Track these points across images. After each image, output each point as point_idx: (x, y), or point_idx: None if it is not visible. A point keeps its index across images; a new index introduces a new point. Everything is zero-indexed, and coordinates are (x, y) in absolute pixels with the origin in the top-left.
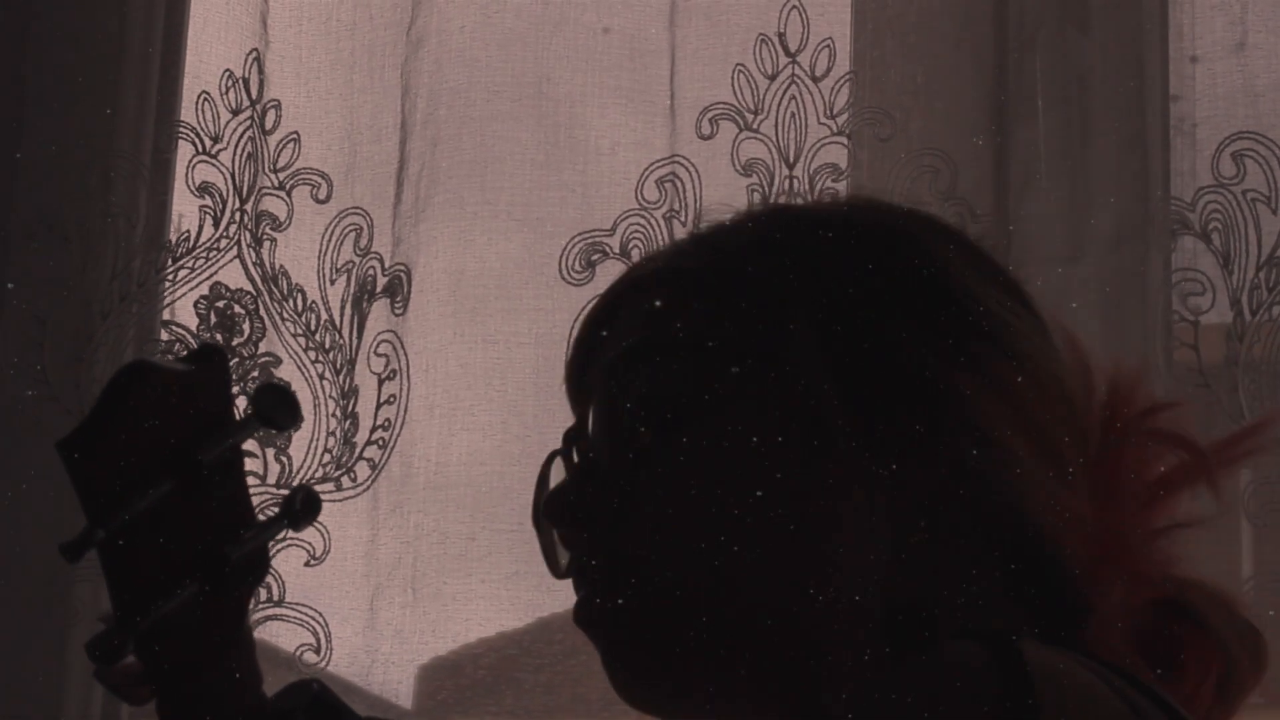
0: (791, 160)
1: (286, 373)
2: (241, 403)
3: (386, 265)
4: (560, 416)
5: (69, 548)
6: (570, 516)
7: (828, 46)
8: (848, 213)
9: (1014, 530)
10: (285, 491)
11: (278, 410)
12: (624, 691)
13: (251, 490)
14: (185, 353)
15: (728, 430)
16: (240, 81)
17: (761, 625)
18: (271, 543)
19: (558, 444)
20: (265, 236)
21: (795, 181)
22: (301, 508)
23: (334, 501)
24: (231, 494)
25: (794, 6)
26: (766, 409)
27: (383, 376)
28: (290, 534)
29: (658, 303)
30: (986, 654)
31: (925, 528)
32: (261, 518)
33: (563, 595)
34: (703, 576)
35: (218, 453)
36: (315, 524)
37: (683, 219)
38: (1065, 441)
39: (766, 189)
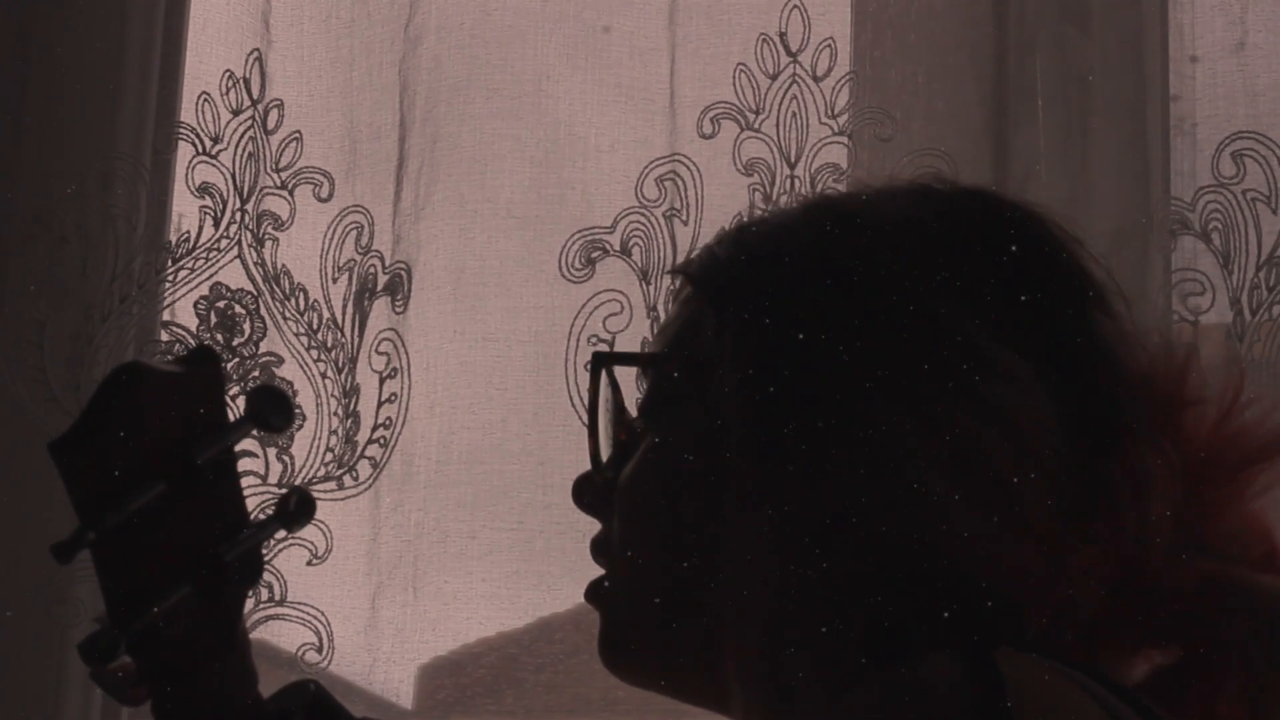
0: (793, 160)
1: (288, 372)
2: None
3: (387, 263)
4: (559, 415)
5: (60, 548)
6: (581, 497)
7: (829, 46)
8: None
9: (940, 570)
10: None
11: (271, 412)
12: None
13: (252, 490)
14: (179, 354)
15: (670, 437)
16: (241, 81)
17: (687, 626)
18: (271, 542)
19: (557, 443)
20: (267, 236)
21: (796, 181)
22: (296, 509)
23: (335, 500)
24: (226, 495)
25: (795, 6)
26: (693, 419)
27: (384, 375)
28: (285, 535)
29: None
30: (962, 665)
31: (825, 548)
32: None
33: (563, 595)
34: (653, 571)
35: (211, 454)
36: (316, 523)
37: (683, 217)
38: (1034, 494)
39: (768, 188)
